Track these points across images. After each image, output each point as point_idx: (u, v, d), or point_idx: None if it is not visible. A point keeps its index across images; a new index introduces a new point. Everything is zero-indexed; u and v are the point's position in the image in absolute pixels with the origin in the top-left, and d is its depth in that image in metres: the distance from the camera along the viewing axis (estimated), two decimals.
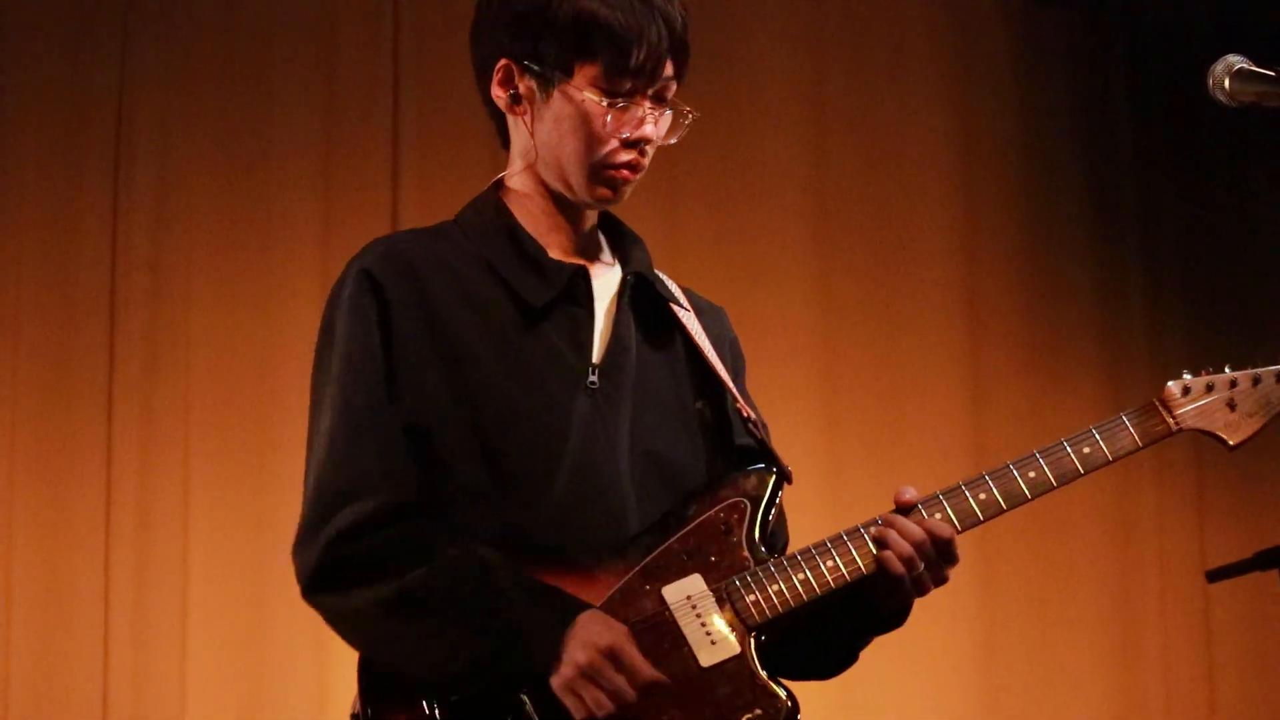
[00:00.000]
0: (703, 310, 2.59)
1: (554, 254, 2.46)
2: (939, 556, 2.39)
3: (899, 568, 2.36)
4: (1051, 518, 5.26)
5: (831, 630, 2.47)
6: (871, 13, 5.34)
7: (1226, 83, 2.45)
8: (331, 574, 2.34)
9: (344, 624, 2.39)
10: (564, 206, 2.48)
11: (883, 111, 5.33)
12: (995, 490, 2.42)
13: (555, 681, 2.24)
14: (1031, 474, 2.43)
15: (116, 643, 4.44)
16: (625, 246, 2.54)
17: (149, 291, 4.59)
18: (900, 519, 2.39)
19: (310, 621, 4.43)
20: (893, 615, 2.46)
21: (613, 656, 2.24)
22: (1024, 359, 5.36)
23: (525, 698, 2.25)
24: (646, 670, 2.26)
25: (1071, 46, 5.59)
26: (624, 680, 2.24)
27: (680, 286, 2.59)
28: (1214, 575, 3.86)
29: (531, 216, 2.48)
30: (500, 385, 2.36)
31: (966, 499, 2.41)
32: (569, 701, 2.24)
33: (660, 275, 2.56)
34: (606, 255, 2.54)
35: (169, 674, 4.46)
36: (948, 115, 5.39)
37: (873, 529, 2.38)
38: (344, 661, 4.47)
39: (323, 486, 2.35)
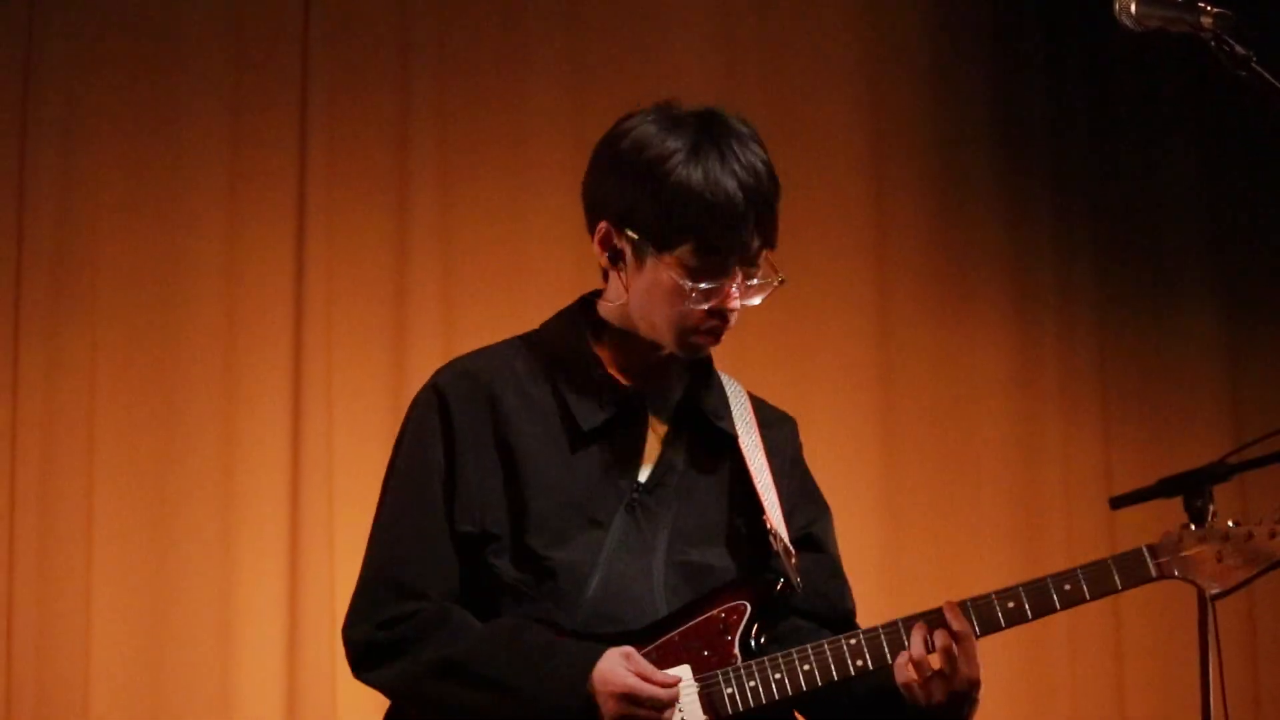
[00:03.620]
0: (768, 424, 2.80)
1: (620, 376, 2.71)
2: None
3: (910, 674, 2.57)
4: (957, 446, 5.31)
5: None
6: None
7: (1133, 6, 2.46)
8: (379, 651, 2.62)
9: (395, 693, 2.68)
10: (646, 342, 2.70)
11: (791, 74, 5.33)
12: (975, 619, 2.60)
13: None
14: (1011, 604, 2.61)
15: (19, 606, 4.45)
16: (700, 375, 2.76)
17: (54, 254, 4.59)
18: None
19: (213, 610, 4.51)
20: None
21: (630, 698, 2.50)
22: (932, 299, 5.38)
23: None
24: (662, 692, 2.52)
25: None
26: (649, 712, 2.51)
27: (751, 397, 2.81)
28: (1118, 502, 3.92)
29: (611, 344, 2.72)
30: (550, 501, 2.64)
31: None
32: None
33: (732, 390, 2.79)
34: (678, 379, 2.75)
35: (74, 646, 4.49)
36: (853, 44, 5.41)
37: (853, 640, 2.59)
38: (255, 652, 4.51)
39: (375, 577, 2.66)
